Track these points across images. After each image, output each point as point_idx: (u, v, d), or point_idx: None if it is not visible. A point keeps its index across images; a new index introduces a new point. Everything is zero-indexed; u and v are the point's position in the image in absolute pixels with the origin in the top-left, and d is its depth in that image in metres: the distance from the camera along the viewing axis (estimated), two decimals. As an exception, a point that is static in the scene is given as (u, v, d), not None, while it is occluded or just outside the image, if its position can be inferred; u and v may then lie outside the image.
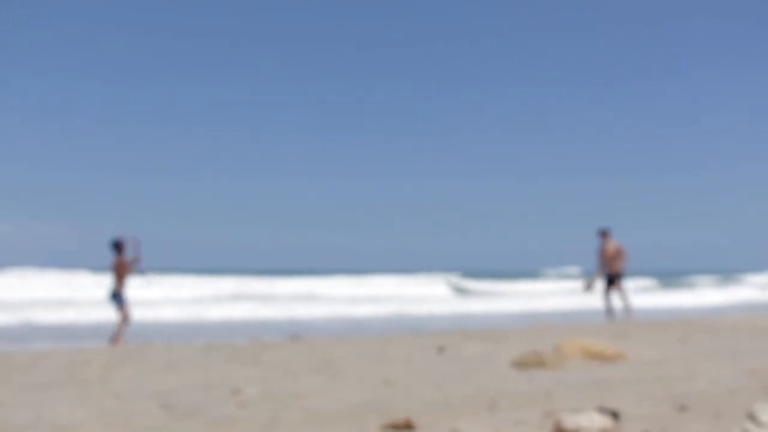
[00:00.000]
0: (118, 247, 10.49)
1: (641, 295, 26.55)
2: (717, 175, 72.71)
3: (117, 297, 10.47)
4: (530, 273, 52.52)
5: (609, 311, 12.85)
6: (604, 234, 12.90)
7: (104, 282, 11.73)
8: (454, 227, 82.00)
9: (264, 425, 4.06)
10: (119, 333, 10.27)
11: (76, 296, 21.01)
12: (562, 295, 29.13)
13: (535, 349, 7.05)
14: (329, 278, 36.54)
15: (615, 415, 3.53)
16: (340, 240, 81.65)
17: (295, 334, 11.35)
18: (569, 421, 3.37)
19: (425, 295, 28.48)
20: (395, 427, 3.81)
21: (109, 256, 10.56)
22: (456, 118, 79.14)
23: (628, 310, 12.88)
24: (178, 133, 74.23)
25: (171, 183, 74.86)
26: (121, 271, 10.42)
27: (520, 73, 77.70)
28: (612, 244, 12.87)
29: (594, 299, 14.54)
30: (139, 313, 14.45)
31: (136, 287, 12.06)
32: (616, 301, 13.23)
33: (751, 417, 2.68)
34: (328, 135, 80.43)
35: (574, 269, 52.49)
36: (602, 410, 3.54)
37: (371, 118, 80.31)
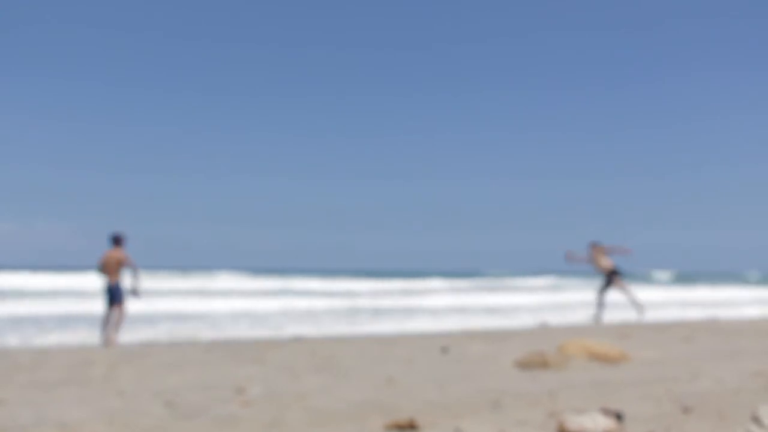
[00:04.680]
0: (116, 240, 10.41)
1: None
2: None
3: (113, 291, 10.28)
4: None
5: (597, 310, 13.36)
6: (594, 246, 13.51)
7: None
8: (462, 228, 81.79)
9: (267, 425, 4.06)
10: (116, 332, 10.15)
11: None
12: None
13: (539, 349, 7.04)
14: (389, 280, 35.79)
15: (619, 416, 3.52)
16: (339, 239, 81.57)
17: (298, 334, 11.36)
18: (573, 421, 3.36)
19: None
20: (399, 427, 3.80)
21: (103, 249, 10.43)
22: (459, 119, 79.14)
23: (635, 304, 13.31)
24: (178, 133, 74.39)
25: (172, 183, 74.98)
26: (115, 266, 10.29)
27: (521, 73, 77.69)
28: (597, 250, 13.44)
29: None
30: (141, 309, 14.42)
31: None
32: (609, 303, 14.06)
33: (755, 419, 2.67)
34: (330, 136, 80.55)
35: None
36: (606, 411, 3.53)
37: (372, 120, 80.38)
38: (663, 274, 56.59)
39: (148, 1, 74.10)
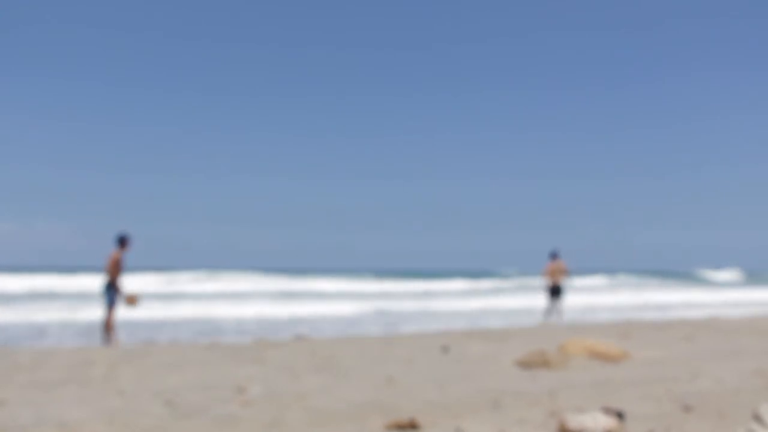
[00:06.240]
0: (122, 242, 10.42)
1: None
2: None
3: (110, 291, 10.25)
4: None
5: (547, 312, 15.03)
6: (553, 256, 15.09)
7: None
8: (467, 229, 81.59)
9: (267, 424, 4.06)
10: (113, 333, 10.12)
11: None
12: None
13: (540, 348, 7.03)
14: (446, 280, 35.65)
15: (620, 415, 3.52)
16: (340, 239, 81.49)
17: (298, 333, 11.35)
18: (573, 421, 3.36)
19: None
20: (399, 426, 3.80)
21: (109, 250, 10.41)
22: (459, 119, 79.19)
23: (554, 316, 14.90)
24: (178, 133, 74.39)
25: (172, 183, 74.95)
26: (117, 267, 10.28)
27: (521, 73, 77.74)
28: (557, 264, 14.97)
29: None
30: (143, 311, 14.43)
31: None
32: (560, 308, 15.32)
33: (757, 417, 2.67)
34: (330, 136, 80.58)
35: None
36: (607, 410, 3.52)
37: (372, 120, 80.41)
38: (726, 274, 56.51)
39: (148, 1, 74.09)
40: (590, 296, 26.26)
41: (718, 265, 56.86)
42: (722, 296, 28.85)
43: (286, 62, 77.93)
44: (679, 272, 55.29)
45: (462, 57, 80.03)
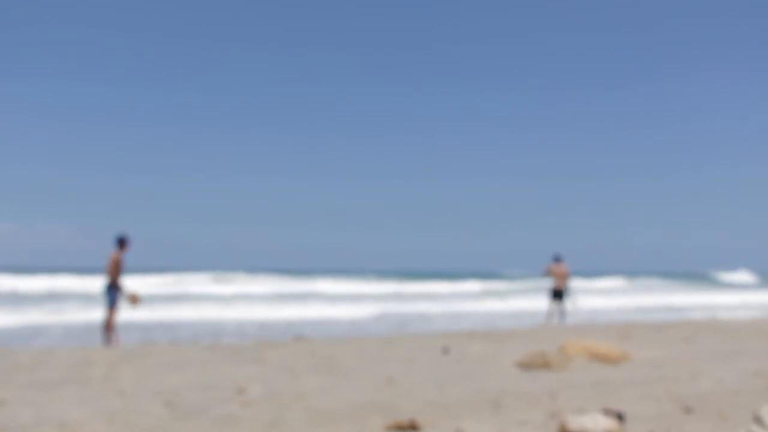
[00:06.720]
0: (121, 243, 10.40)
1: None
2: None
3: (111, 291, 10.22)
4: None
5: (549, 314, 15.04)
6: (557, 259, 15.20)
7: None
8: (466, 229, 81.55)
9: (267, 425, 4.06)
10: (114, 333, 10.10)
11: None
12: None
13: (540, 349, 7.03)
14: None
15: (620, 416, 3.51)
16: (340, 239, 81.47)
17: (298, 334, 11.35)
18: (574, 422, 3.36)
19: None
20: (399, 427, 3.79)
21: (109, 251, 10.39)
22: (459, 119, 79.22)
23: (556, 318, 14.94)
24: (178, 133, 74.44)
25: (172, 183, 74.97)
26: (117, 267, 10.26)
27: (521, 73, 77.80)
28: (560, 267, 15.05)
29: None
30: (144, 312, 14.41)
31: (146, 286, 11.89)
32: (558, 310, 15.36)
33: (757, 419, 2.66)
34: (330, 136, 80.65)
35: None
36: (607, 411, 3.52)
37: (372, 120, 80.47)
38: (739, 276, 56.30)
39: (148, 1, 74.18)
40: (598, 298, 26.17)
41: (731, 267, 56.79)
42: (739, 298, 28.62)
43: (286, 62, 78.01)
44: (692, 273, 55.21)
45: (462, 57, 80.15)
